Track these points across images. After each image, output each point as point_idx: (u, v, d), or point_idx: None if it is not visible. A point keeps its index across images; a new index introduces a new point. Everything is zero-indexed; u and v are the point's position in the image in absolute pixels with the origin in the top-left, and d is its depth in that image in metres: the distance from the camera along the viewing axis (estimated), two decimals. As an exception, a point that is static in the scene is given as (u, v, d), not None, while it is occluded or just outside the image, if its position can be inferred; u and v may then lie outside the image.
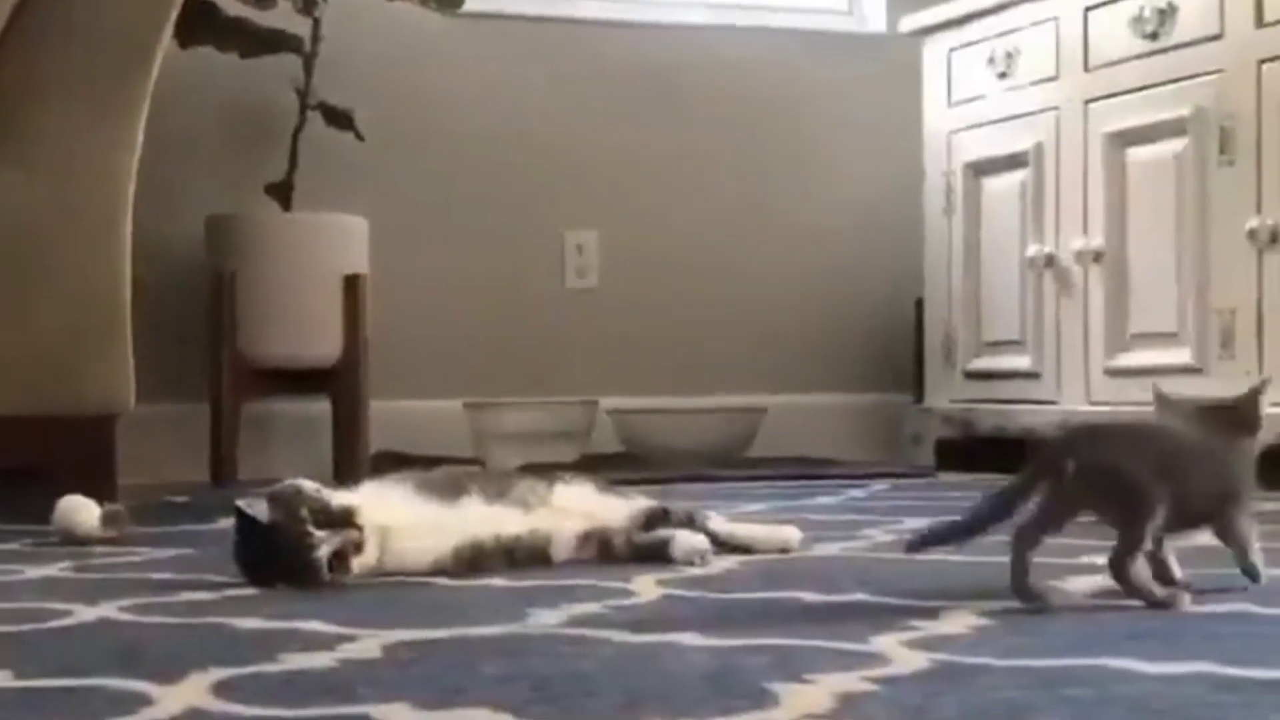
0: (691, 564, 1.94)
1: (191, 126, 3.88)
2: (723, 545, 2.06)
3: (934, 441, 3.94)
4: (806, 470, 3.66)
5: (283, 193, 3.73)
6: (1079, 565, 1.88)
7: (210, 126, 3.95)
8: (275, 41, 3.69)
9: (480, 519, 1.92)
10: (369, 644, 1.37)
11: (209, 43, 3.65)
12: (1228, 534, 1.65)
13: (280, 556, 1.75)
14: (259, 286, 3.58)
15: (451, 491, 1.94)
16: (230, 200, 3.79)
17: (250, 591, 1.74)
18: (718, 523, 2.12)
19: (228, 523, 1.83)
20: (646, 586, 1.74)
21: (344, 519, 1.78)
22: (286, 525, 1.74)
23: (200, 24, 3.56)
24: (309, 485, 1.79)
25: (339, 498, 1.81)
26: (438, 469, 2.09)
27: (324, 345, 3.62)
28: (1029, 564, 1.55)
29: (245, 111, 3.95)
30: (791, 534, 2.12)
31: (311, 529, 1.74)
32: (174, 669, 1.24)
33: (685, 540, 1.98)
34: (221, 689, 1.17)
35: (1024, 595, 1.55)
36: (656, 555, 1.97)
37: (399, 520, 1.86)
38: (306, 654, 1.32)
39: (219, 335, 3.58)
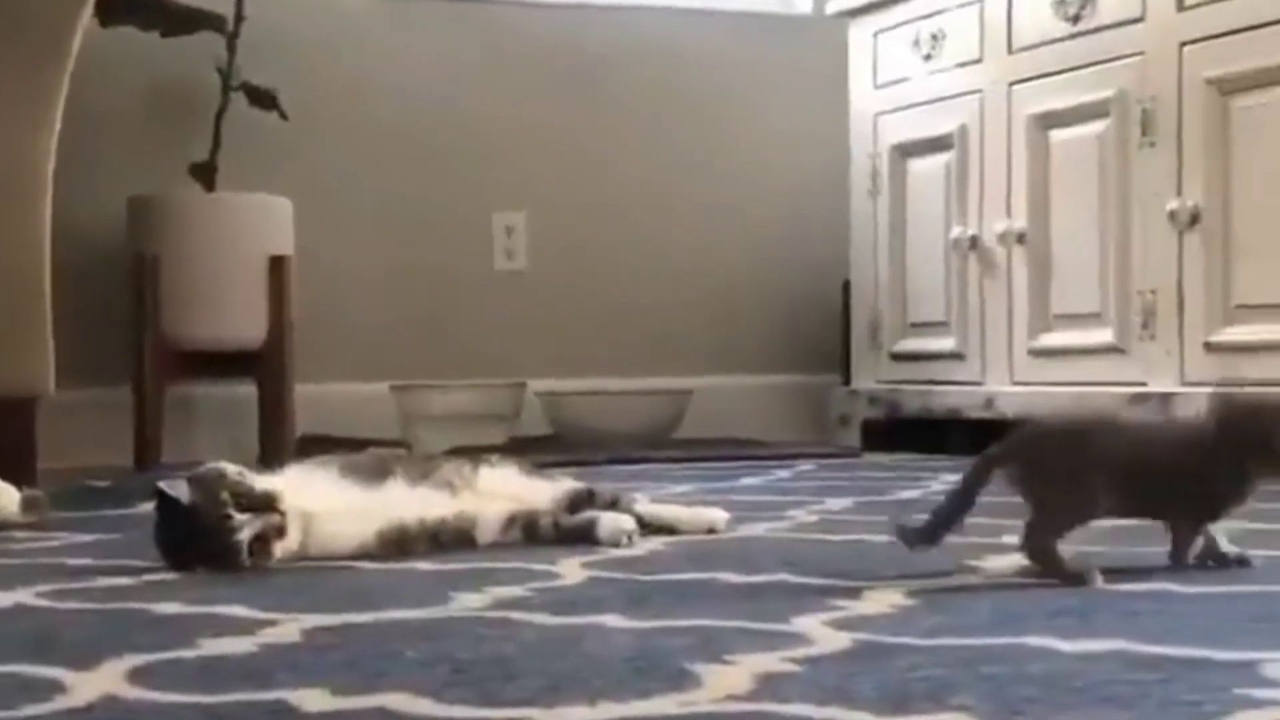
0: (618, 545, 1.94)
1: (113, 106, 3.84)
2: (648, 527, 2.06)
3: (860, 422, 3.96)
4: (733, 451, 3.67)
5: (206, 173, 3.70)
6: (1000, 545, 1.89)
7: (132, 106, 3.90)
8: (197, 20, 3.66)
9: (405, 502, 1.91)
10: (289, 628, 1.36)
11: (130, 22, 3.61)
12: (1176, 532, 1.66)
13: (200, 539, 1.73)
14: (182, 268, 3.54)
15: (377, 474, 1.93)
16: (153, 181, 3.75)
17: (170, 576, 1.73)
18: (644, 505, 2.12)
19: (149, 507, 1.81)
20: (571, 569, 1.74)
21: (266, 503, 1.77)
22: (207, 508, 1.73)
23: (121, 2, 3.51)
24: (232, 469, 1.77)
25: (262, 482, 1.80)
26: (364, 452, 2.07)
27: (249, 328, 3.59)
28: (953, 517, 1.62)
29: (167, 91, 3.90)
30: (718, 515, 2.13)
31: (232, 512, 1.73)
32: (89, 655, 1.22)
33: (611, 521, 1.98)
34: (137, 675, 1.16)
35: (926, 535, 1.63)
36: (583, 537, 1.97)
37: (323, 505, 1.84)
38: (225, 639, 1.30)
39: (141, 318, 3.55)
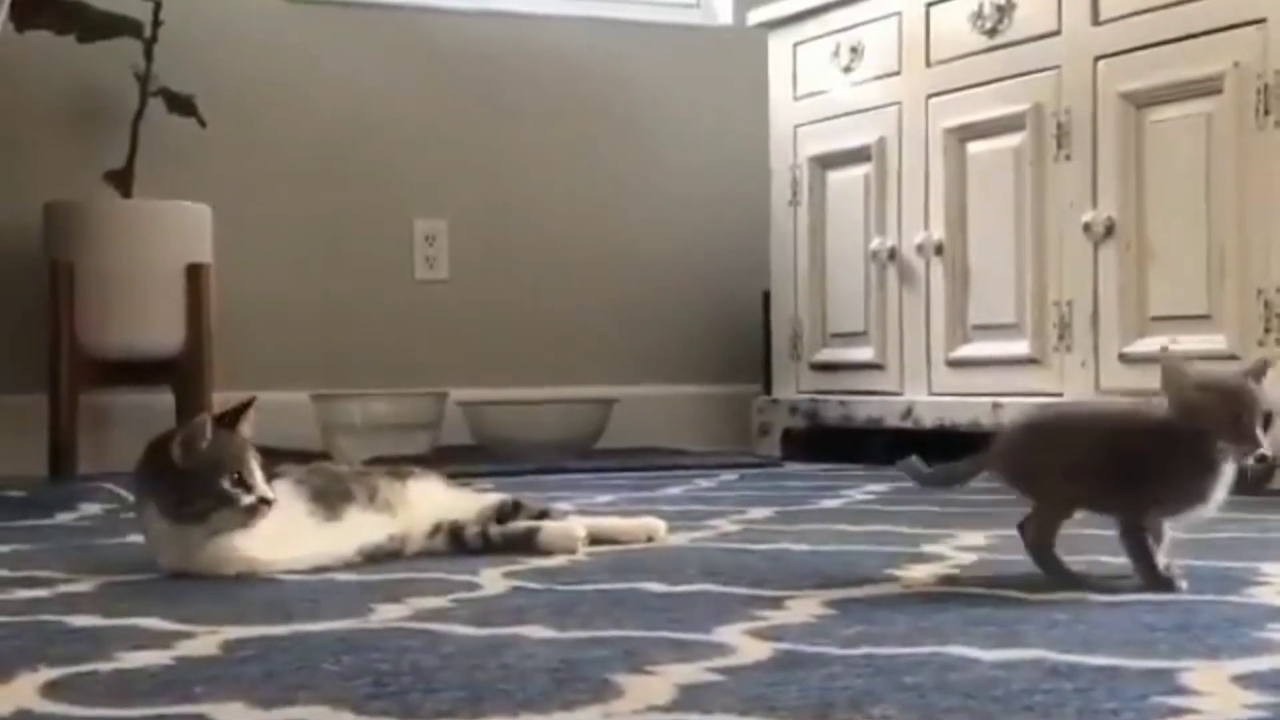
0: (572, 551, 1.95)
1: (29, 111, 3.79)
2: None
3: (781, 432, 3.98)
4: (656, 461, 3.67)
5: (123, 180, 3.66)
6: (920, 554, 1.91)
7: (48, 111, 3.85)
8: (114, 25, 3.62)
9: (355, 533, 1.89)
10: (207, 641, 1.34)
11: (47, 26, 3.57)
12: (1121, 538, 1.61)
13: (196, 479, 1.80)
14: (99, 275, 3.50)
15: (339, 501, 1.90)
16: (69, 187, 3.70)
17: (87, 588, 1.70)
18: (578, 516, 2.12)
19: (65, 517, 1.78)
20: (492, 579, 1.73)
21: (253, 503, 1.79)
22: (221, 461, 1.81)
23: (38, 6, 3.47)
24: (254, 455, 1.84)
25: (265, 487, 1.80)
26: (321, 467, 2.04)
27: (166, 336, 3.55)
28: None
29: (84, 96, 3.86)
30: (656, 524, 2.13)
31: (239, 479, 1.79)
32: (2, 669, 1.20)
33: (558, 529, 1.99)
34: (51, 689, 1.14)
35: (1043, 564, 1.64)
36: (523, 545, 1.96)
37: (281, 554, 1.82)
38: (142, 652, 1.29)
39: (56, 325, 3.50)
